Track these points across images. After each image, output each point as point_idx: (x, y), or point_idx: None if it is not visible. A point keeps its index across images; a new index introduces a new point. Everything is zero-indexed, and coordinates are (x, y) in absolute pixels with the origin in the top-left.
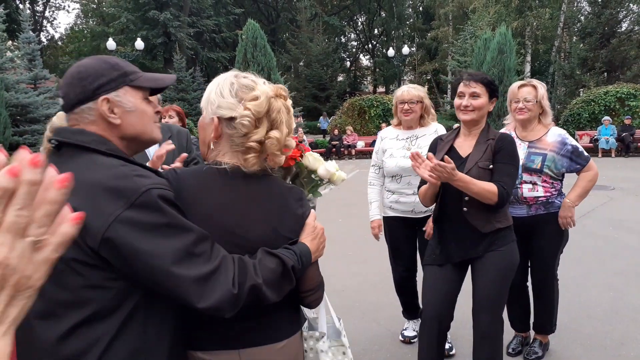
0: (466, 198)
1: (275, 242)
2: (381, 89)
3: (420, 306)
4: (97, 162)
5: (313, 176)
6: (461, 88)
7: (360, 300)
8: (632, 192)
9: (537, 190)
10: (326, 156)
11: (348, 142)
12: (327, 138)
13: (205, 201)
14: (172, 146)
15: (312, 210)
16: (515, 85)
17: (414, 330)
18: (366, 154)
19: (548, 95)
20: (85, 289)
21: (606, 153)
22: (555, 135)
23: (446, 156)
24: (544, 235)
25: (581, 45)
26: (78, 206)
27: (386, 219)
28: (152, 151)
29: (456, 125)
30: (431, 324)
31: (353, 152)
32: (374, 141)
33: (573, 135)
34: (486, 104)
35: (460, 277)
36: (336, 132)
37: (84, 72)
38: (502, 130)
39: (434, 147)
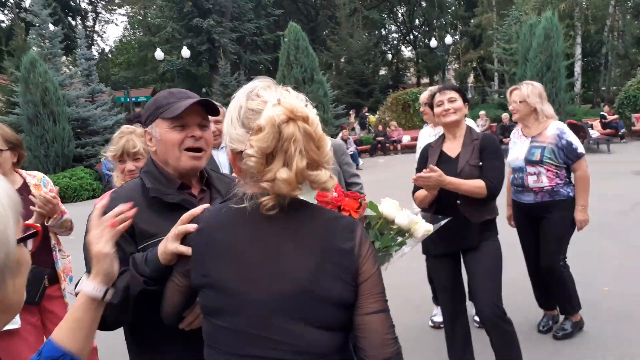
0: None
1: (316, 284)
2: (425, 80)
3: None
4: None
5: (386, 230)
6: (438, 98)
7: (414, 294)
8: None
9: (542, 181)
10: (371, 152)
11: (393, 137)
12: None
13: (227, 239)
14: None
15: None
16: (508, 90)
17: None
18: (412, 149)
19: (602, 77)
20: None
21: None
22: (553, 129)
23: (431, 165)
24: (549, 221)
25: (635, 22)
26: None
27: None
28: (222, 160)
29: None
30: (452, 309)
31: (399, 147)
32: None
33: (629, 119)
34: (463, 106)
35: (458, 266)
36: (380, 127)
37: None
38: (515, 129)
39: (425, 154)
